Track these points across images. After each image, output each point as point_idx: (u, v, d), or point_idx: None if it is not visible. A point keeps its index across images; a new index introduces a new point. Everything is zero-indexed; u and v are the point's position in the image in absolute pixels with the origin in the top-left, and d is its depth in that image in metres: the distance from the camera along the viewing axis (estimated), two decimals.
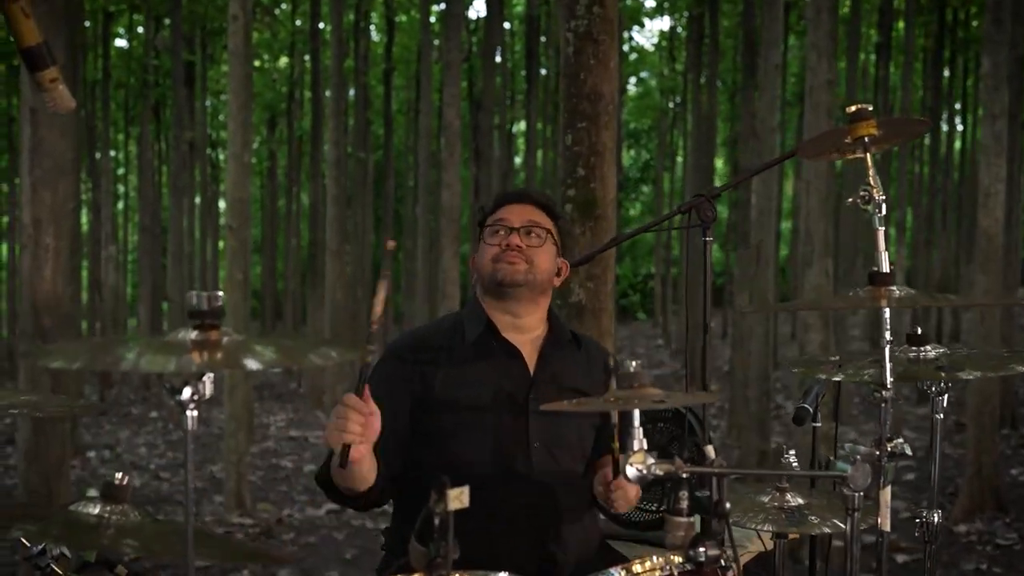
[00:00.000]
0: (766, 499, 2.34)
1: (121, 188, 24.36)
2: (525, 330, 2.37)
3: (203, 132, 18.33)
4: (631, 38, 24.93)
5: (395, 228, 21.37)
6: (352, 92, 16.38)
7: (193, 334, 1.46)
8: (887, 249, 2.12)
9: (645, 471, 1.72)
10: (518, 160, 22.03)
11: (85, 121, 16.23)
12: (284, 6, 19.35)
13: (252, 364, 1.42)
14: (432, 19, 15.93)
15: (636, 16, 21.46)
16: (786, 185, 20.51)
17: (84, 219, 19.49)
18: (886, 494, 2.12)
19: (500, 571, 1.84)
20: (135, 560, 1.77)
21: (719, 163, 21.60)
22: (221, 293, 1.48)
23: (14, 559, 6.20)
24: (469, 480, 1.43)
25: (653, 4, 21.52)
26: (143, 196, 17.40)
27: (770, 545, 2.50)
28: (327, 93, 14.59)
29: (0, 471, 10.29)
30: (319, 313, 15.04)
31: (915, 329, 2.46)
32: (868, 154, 2.15)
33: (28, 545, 1.75)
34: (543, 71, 18.34)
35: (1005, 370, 2.41)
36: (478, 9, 33.26)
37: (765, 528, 2.30)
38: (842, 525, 1.98)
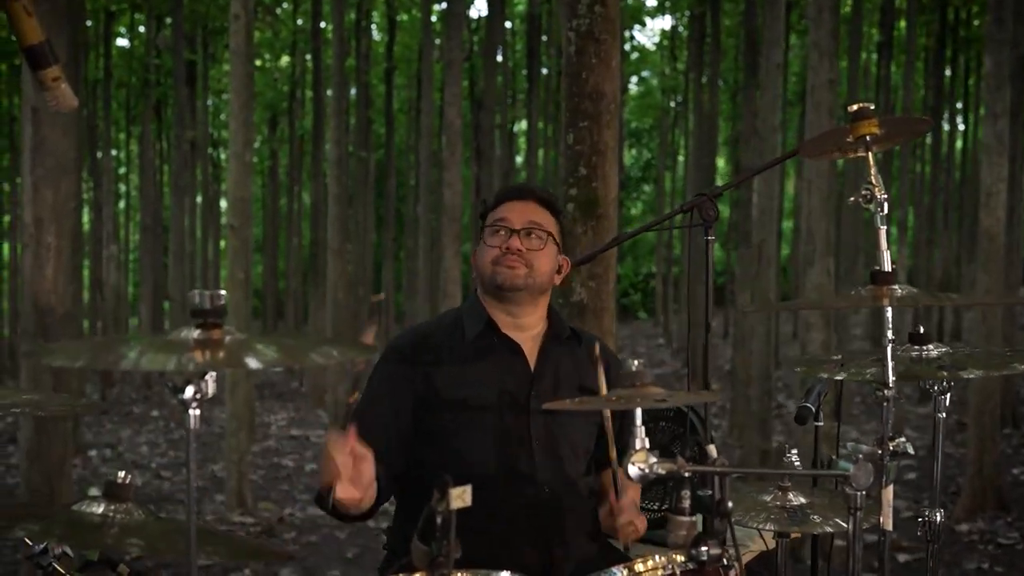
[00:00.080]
0: (768, 498, 2.35)
1: (123, 187, 24.37)
2: (525, 328, 2.37)
3: (204, 131, 18.33)
4: (632, 37, 24.93)
5: (396, 227, 21.37)
6: (353, 91, 16.38)
7: (195, 333, 1.47)
8: (889, 248, 2.12)
9: (647, 470, 1.72)
10: (519, 159, 22.03)
11: (87, 120, 16.23)
12: (286, 5, 19.35)
13: (254, 363, 1.42)
14: (433, 18, 15.93)
15: (638, 15, 21.46)
16: (788, 184, 20.52)
17: (86, 218, 19.48)
18: (888, 493, 2.12)
19: (502, 570, 1.84)
20: (137, 559, 1.77)
21: (720, 162, 21.61)
22: (223, 292, 1.48)
23: (16, 558, 6.21)
24: (471, 479, 1.43)
25: (655, 3, 21.51)
26: (144, 195, 17.41)
27: (772, 544, 2.50)
28: (328, 92, 14.58)
29: (2, 470, 10.30)
30: (321, 312, 15.04)
31: (917, 328, 2.46)
32: (870, 153, 2.15)
33: (30, 544, 1.75)
34: (544, 70, 18.34)
35: (1007, 369, 2.41)
36: (479, 8, 33.24)
37: (767, 527, 2.30)
38: (844, 524, 1.98)
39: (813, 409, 2.61)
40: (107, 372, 14.70)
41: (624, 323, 25.54)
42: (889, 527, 2.14)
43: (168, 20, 16.99)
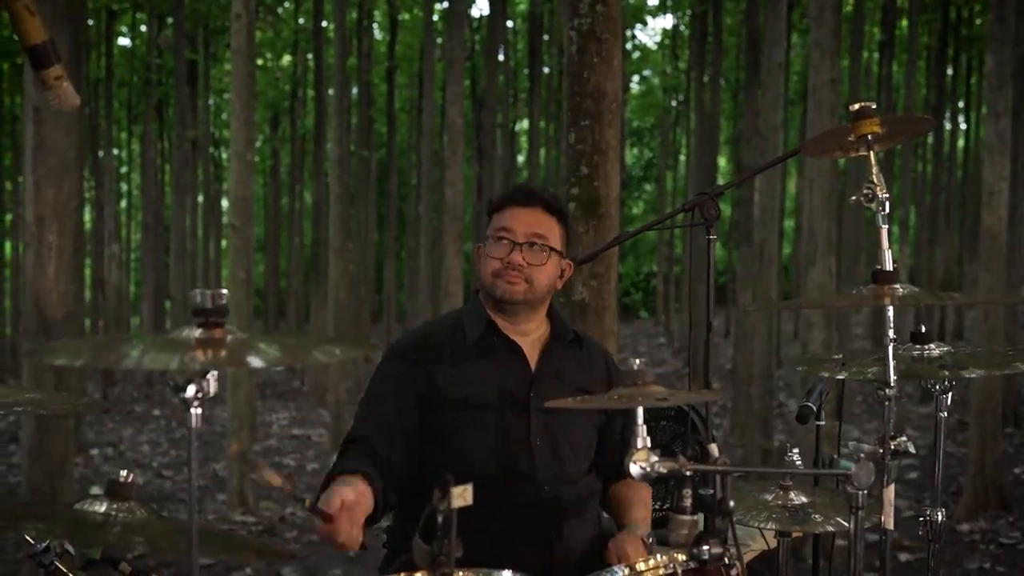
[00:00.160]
0: (769, 497, 2.35)
1: (124, 186, 24.37)
2: (525, 332, 2.39)
3: (206, 130, 18.34)
4: (634, 36, 24.93)
5: (398, 226, 21.38)
6: (355, 90, 16.36)
7: (197, 332, 1.47)
8: (890, 247, 2.12)
9: (649, 469, 1.73)
10: (521, 158, 22.00)
11: (88, 119, 16.24)
12: (287, 4, 19.35)
13: (255, 362, 1.42)
14: (435, 17, 15.92)
15: (639, 14, 21.46)
16: (789, 183, 20.52)
17: (87, 217, 19.46)
18: (889, 492, 2.12)
19: (503, 569, 1.84)
20: (139, 557, 1.78)
21: (722, 161, 21.58)
22: (225, 291, 1.48)
23: (18, 556, 6.21)
24: (472, 478, 1.43)
25: (656, 2, 21.49)
26: (146, 194, 17.41)
27: (773, 543, 2.50)
28: (330, 91, 14.57)
29: (4, 469, 10.31)
30: (322, 311, 15.04)
31: (918, 327, 2.45)
32: (871, 152, 2.15)
33: (32, 542, 1.75)
34: (546, 69, 18.34)
35: (1008, 368, 2.40)
36: (481, 7, 33.27)
37: (768, 526, 2.30)
38: (845, 523, 1.98)
39: (814, 408, 2.61)
40: (109, 371, 14.70)
41: (625, 322, 25.54)
42: (890, 526, 2.14)
43: (170, 19, 16.99)
